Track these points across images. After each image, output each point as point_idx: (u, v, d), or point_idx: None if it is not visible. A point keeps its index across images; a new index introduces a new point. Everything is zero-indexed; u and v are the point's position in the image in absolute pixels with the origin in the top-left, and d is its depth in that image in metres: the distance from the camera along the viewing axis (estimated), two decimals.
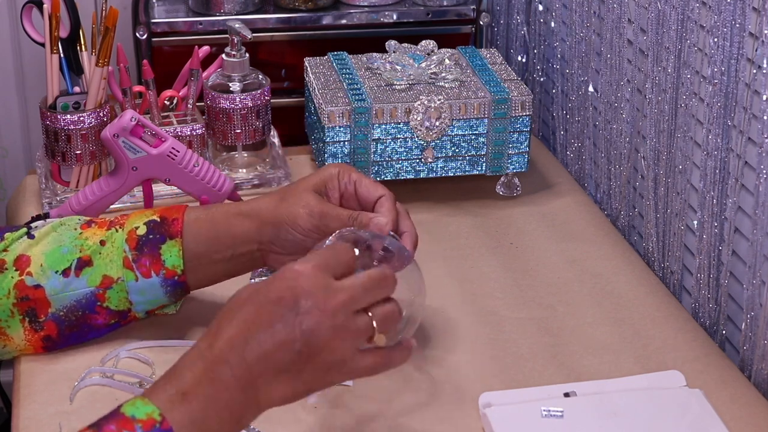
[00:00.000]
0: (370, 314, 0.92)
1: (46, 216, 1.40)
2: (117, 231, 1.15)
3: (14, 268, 1.15)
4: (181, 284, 1.15)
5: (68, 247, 1.15)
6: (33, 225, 1.19)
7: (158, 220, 1.15)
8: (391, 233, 1.11)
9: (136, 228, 1.15)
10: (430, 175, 1.49)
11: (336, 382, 0.93)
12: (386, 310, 0.93)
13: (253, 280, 1.31)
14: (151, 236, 1.14)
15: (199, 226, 1.15)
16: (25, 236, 1.17)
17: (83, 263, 1.14)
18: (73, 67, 1.46)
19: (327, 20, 1.80)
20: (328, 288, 0.90)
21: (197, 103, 1.53)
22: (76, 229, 1.17)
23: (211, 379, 0.88)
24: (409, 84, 1.49)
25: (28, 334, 1.15)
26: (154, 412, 0.87)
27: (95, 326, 1.17)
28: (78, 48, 1.47)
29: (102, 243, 1.15)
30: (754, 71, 1.16)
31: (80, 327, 1.16)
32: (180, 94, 1.54)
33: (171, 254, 1.14)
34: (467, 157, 1.48)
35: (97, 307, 1.15)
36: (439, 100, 1.45)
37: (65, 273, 1.14)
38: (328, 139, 1.44)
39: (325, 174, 1.15)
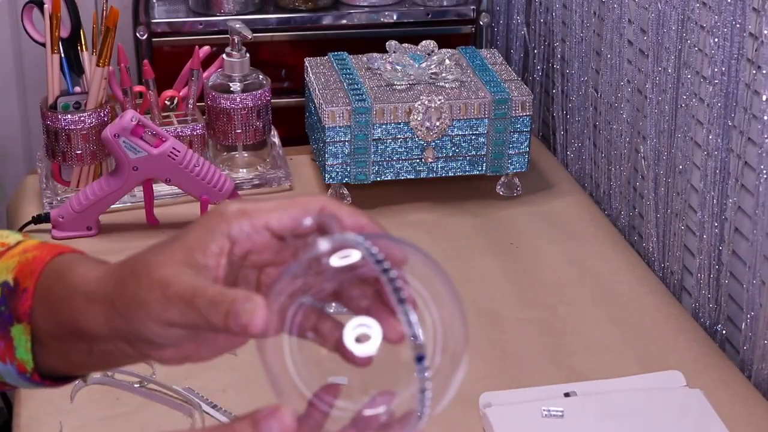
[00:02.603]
0: None
1: (46, 216, 1.40)
2: None
3: None
4: (38, 383, 0.78)
5: None
6: None
7: (11, 284, 0.78)
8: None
9: None
10: (431, 175, 1.49)
11: None
12: None
13: None
14: (2, 308, 0.78)
15: (47, 304, 0.76)
16: None
17: None
18: (73, 67, 1.46)
19: (327, 20, 1.80)
20: None
21: (198, 103, 1.53)
22: None
23: None
24: (409, 84, 1.49)
25: None
26: None
27: None
28: (78, 48, 1.47)
29: None
30: (754, 71, 1.16)
31: None
32: (180, 94, 1.54)
33: (20, 342, 0.77)
34: (467, 157, 1.48)
35: None
36: (439, 100, 1.45)
37: None
38: (328, 139, 1.44)
39: (199, 232, 0.69)
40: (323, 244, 0.64)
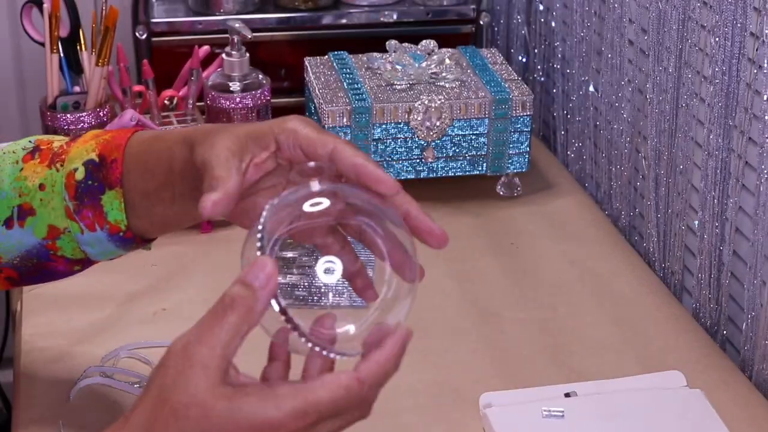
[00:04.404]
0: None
1: None
2: (57, 171, 1.00)
3: None
4: (129, 240, 0.99)
5: (7, 192, 1.02)
6: None
7: (97, 160, 0.98)
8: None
9: (75, 170, 0.99)
10: (431, 175, 1.48)
11: None
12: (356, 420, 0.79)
13: None
14: (90, 182, 0.98)
15: (138, 163, 0.97)
16: None
17: (25, 212, 1.01)
18: (72, 66, 1.46)
19: (327, 20, 1.79)
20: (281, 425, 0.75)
21: (197, 103, 1.53)
22: (17, 162, 1.03)
23: None
24: (409, 84, 1.49)
25: None
26: None
27: (58, 271, 1.05)
28: (78, 47, 1.46)
29: (41, 187, 1.00)
30: (755, 71, 1.16)
31: (41, 272, 1.05)
32: (180, 93, 1.54)
33: (112, 207, 0.98)
34: (468, 157, 1.48)
35: (51, 255, 1.02)
36: (439, 100, 1.45)
37: (8, 223, 1.01)
38: None
39: (263, 128, 0.89)
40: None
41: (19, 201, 1.02)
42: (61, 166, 1.00)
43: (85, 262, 1.04)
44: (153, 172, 0.95)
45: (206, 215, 0.82)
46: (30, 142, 1.05)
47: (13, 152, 1.04)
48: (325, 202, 0.82)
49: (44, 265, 1.04)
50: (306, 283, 1.31)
